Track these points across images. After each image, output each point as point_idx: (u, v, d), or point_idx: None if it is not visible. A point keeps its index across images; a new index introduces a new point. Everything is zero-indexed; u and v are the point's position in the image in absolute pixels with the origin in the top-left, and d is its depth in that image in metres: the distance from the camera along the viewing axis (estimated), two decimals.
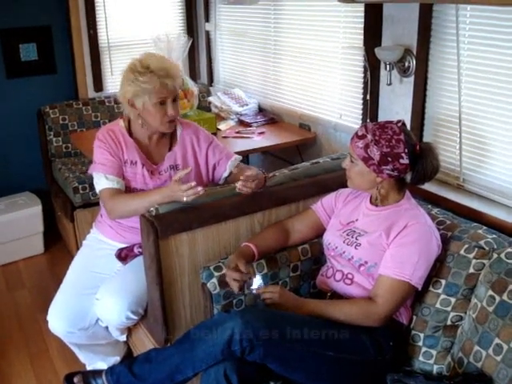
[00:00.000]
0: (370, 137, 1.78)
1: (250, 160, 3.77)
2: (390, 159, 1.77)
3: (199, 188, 1.91)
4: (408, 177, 1.86)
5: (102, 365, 2.40)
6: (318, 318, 1.76)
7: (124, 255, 2.24)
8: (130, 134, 2.22)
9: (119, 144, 2.17)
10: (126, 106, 2.14)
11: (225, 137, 3.24)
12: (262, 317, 1.68)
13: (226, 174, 2.29)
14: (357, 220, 1.94)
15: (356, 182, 1.89)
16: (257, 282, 1.83)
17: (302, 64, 3.26)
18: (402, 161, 1.77)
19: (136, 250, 2.23)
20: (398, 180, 1.85)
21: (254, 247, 1.96)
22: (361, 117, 2.82)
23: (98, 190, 2.17)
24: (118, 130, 2.20)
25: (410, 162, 1.78)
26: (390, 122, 1.82)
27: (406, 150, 1.77)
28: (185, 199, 1.93)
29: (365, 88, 2.74)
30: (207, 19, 4.10)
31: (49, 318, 2.22)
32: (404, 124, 1.83)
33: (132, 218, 2.13)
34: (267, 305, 1.79)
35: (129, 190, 2.19)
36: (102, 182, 2.13)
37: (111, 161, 2.15)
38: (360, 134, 1.82)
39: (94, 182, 2.18)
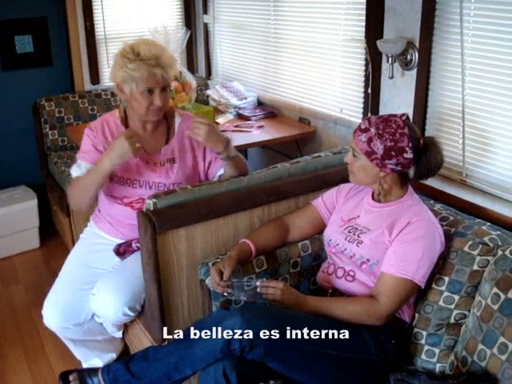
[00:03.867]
0: (373, 130, 1.74)
1: (249, 154, 3.73)
2: (393, 153, 1.73)
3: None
4: (411, 172, 1.82)
5: (98, 361, 2.37)
6: (319, 316, 1.73)
7: (122, 250, 2.21)
8: (127, 124, 2.20)
9: (110, 135, 2.16)
10: (115, 90, 2.13)
11: (223, 131, 3.19)
12: (262, 315, 1.64)
13: (220, 172, 2.22)
14: (358, 216, 1.91)
15: (358, 177, 1.85)
16: (237, 290, 1.80)
17: (302, 57, 3.22)
18: (405, 155, 1.73)
19: (134, 246, 2.20)
20: (401, 175, 1.82)
21: (251, 244, 1.94)
22: (362, 111, 2.79)
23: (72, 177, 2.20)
24: (112, 121, 2.19)
25: (413, 157, 1.75)
26: (394, 116, 1.78)
27: (410, 144, 1.73)
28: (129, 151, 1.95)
29: (366, 81, 2.70)
30: (205, 11, 4.05)
31: (43, 312, 2.19)
32: (408, 118, 1.79)
33: (131, 215, 2.09)
34: (268, 301, 1.75)
35: (122, 179, 2.16)
36: (74, 170, 2.16)
37: (91, 151, 2.15)
38: (363, 127, 1.78)
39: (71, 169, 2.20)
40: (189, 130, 2.07)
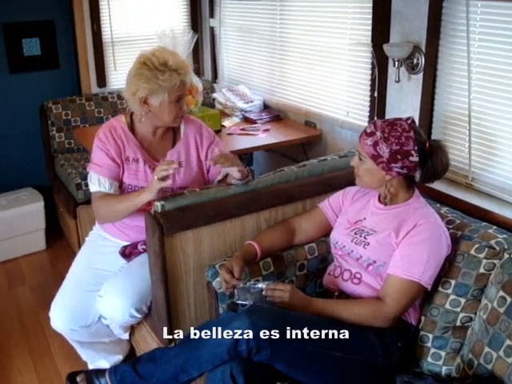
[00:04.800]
0: (379, 134, 1.75)
1: (255, 157, 3.74)
2: (399, 157, 1.74)
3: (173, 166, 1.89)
4: (417, 175, 1.83)
5: (104, 363, 2.38)
6: (325, 318, 1.73)
7: (128, 252, 2.22)
8: (133, 129, 2.19)
9: (120, 141, 2.15)
10: (134, 103, 2.07)
11: (229, 134, 3.21)
12: (269, 317, 1.65)
13: (219, 178, 2.23)
14: (365, 219, 1.92)
15: (365, 180, 1.86)
16: (243, 294, 1.78)
17: (309, 60, 3.23)
18: (411, 158, 1.74)
19: (140, 248, 2.20)
20: (407, 178, 1.83)
21: (257, 246, 1.95)
22: (368, 114, 2.80)
23: (91, 190, 2.16)
24: (119, 127, 2.17)
25: (419, 160, 1.76)
26: (400, 119, 1.79)
27: (416, 148, 1.74)
28: (155, 178, 1.90)
29: (372, 85, 2.71)
30: (212, 15, 4.07)
31: (51, 314, 2.20)
32: (413, 121, 1.80)
33: (137, 217, 2.10)
34: (275, 303, 1.75)
35: (130, 187, 2.17)
36: (95, 184, 2.13)
37: (107, 164, 2.12)
38: (369, 131, 1.79)
39: (88, 180, 2.17)
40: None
